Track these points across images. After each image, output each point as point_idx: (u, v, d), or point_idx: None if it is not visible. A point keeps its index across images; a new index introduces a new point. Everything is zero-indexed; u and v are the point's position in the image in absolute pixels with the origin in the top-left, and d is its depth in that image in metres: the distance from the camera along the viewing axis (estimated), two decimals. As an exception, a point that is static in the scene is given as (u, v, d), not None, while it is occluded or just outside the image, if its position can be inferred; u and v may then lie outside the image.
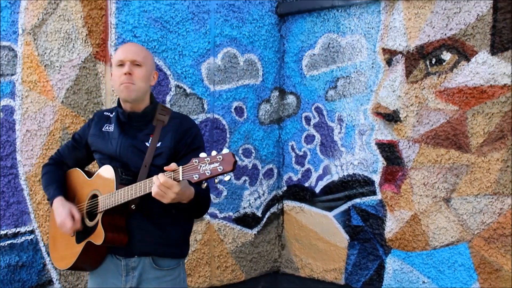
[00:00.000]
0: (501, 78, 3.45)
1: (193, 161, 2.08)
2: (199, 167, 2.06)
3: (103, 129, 2.58)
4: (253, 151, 4.45)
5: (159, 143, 2.46)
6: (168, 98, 3.90)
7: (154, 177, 2.18)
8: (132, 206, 2.39)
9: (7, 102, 3.41)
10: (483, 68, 3.51)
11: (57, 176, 2.66)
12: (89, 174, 2.61)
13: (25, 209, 3.47)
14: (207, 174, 2.04)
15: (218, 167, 2.03)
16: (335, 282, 4.34)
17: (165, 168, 2.17)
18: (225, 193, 4.28)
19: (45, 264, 3.53)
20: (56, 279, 3.56)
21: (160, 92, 3.86)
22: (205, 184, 2.13)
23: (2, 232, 3.41)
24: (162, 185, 2.13)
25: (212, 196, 4.19)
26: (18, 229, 3.46)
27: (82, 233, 2.51)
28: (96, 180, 2.53)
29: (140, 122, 2.53)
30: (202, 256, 4.17)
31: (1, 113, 3.39)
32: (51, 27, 3.48)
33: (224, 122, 4.24)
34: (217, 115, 4.20)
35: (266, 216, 4.59)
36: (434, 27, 3.69)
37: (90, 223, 2.48)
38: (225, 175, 2.07)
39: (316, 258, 4.45)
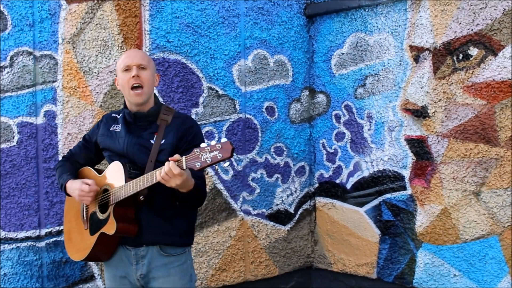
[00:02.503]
0: (529, 71, 3.47)
1: (195, 150, 2.26)
2: (200, 156, 2.24)
3: (110, 129, 2.77)
4: (284, 149, 4.55)
5: (163, 140, 2.64)
6: (201, 99, 4.04)
7: (165, 165, 2.34)
8: (140, 197, 2.57)
9: (50, 107, 3.59)
10: (510, 62, 3.52)
11: (69, 168, 2.84)
12: (99, 172, 2.79)
13: (68, 208, 3.65)
14: (208, 161, 2.22)
15: (217, 155, 2.20)
16: (367, 276, 4.40)
17: (169, 158, 2.34)
18: (258, 190, 4.39)
19: (87, 260, 3.72)
20: (98, 275, 3.73)
21: (194, 94, 4.00)
22: (206, 172, 2.28)
23: (47, 230, 3.59)
24: (170, 171, 2.31)
25: (245, 194, 4.31)
26: (61, 227, 3.61)
27: (96, 226, 2.68)
28: (106, 176, 2.71)
29: (145, 121, 2.71)
30: (237, 251, 4.29)
31: (44, 118, 3.58)
32: (89, 36, 3.65)
33: (255, 121, 4.36)
34: (249, 115, 4.32)
35: (299, 212, 4.68)
36: (460, 23, 3.72)
37: (102, 216, 2.65)
38: (224, 161, 2.25)
39: (348, 253, 4.52)
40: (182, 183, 2.35)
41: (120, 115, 2.79)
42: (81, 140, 2.96)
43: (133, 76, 2.63)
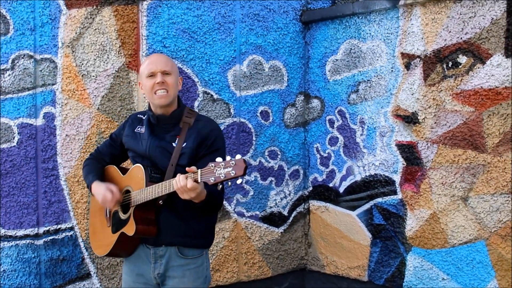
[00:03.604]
0: (516, 80, 3.54)
1: (210, 165, 2.31)
2: (215, 171, 2.29)
3: (135, 130, 2.83)
4: (279, 153, 4.63)
5: (184, 144, 2.69)
6: (196, 103, 4.13)
7: (176, 178, 2.41)
8: (160, 202, 2.64)
9: (49, 109, 3.68)
10: (498, 71, 3.58)
11: (96, 167, 2.93)
12: (123, 171, 2.86)
13: (65, 207, 3.73)
14: (221, 177, 2.27)
15: (231, 172, 2.24)
16: (358, 278, 4.47)
17: (187, 169, 2.40)
18: (251, 193, 4.47)
19: (83, 258, 3.79)
20: (94, 272, 3.82)
21: (189, 98, 4.09)
22: (220, 186, 2.35)
23: (45, 229, 3.68)
24: (184, 186, 2.38)
25: (239, 196, 4.39)
26: (59, 226, 3.72)
27: (117, 225, 2.77)
28: (128, 177, 2.78)
29: (168, 124, 2.76)
30: (230, 252, 4.37)
31: (44, 120, 3.68)
32: (88, 40, 3.76)
33: (250, 125, 4.43)
34: (243, 119, 4.40)
35: (293, 215, 4.74)
36: (450, 32, 3.80)
37: (123, 216, 2.73)
38: (237, 178, 2.28)
39: (340, 256, 4.59)
40: (195, 196, 2.41)
41: (145, 116, 2.85)
42: (107, 138, 3.04)
43: (158, 83, 2.69)
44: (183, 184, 2.38)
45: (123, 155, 2.98)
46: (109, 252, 2.81)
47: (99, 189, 2.77)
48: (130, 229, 2.65)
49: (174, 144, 2.70)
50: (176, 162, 2.66)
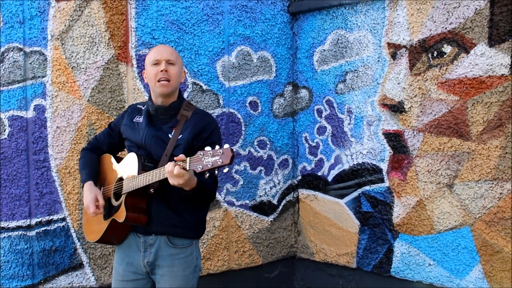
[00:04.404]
0: (499, 68, 3.57)
1: (199, 153, 2.34)
2: (203, 159, 2.32)
3: (134, 120, 2.88)
4: (268, 142, 4.68)
5: (180, 136, 2.73)
6: (185, 94, 4.16)
7: (166, 165, 2.45)
8: (150, 190, 2.68)
9: (39, 101, 3.70)
10: (482, 60, 3.64)
11: (91, 161, 2.97)
12: (118, 160, 2.91)
13: (57, 198, 3.76)
14: (208, 166, 2.30)
15: (218, 160, 2.27)
16: (347, 265, 4.55)
17: (175, 158, 2.44)
18: (241, 182, 4.52)
19: (76, 248, 3.83)
20: (86, 262, 3.86)
21: (178, 89, 4.13)
22: (207, 174, 2.38)
23: (37, 220, 3.71)
24: (171, 171, 2.41)
25: (229, 185, 4.44)
26: (51, 217, 3.75)
27: (109, 211, 2.82)
28: (123, 165, 2.83)
29: (166, 115, 2.80)
30: (221, 241, 4.42)
31: (34, 112, 3.69)
32: (77, 32, 3.77)
33: (239, 116, 4.47)
34: (232, 109, 4.43)
35: (282, 204, 4.80)
36: (435, 22, 3.85)
37: (115, 203, 2.78)
38: (224, 167, 2.34)
39: (329, 243, 4.66)
40: (184, 183, 2.43)
41: (145, 107, 2.89)
42: (106, 127, 3.08)
43: (162, 71, 2.73)
44: (170, 169, 2.41)
45: (120, 145, 3.02)
46: (100, 238, 2.85)
47: (89, 194, 2.82)
48: (120, 216, 2.69)
49: (170, 135, 2.74)
50: (170, 152, 2.70)
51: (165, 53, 2.78)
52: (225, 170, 2.36)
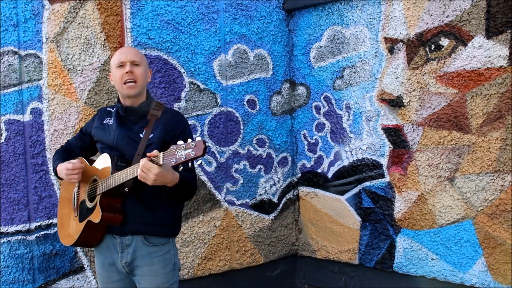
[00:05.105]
0: (497, 60, 3.56)
1: (172, 147, 2.36)
2: (176, 153, 2.34)
3: (104, 122, 2.90)
4: (266, 140, 4.66)
5: (151, 135, 2.75)
6: (183, 94, 4.15)
7: (140, 161, 2.46)
8: (125, 189, 2.69)
9: (36, 105, 3.69)
10: (480, 52, 3.63)
11: (63, 156, 2.98)
12: (92, 162, 2.92)
13: (56, 202, 3.73)
14: (182, 159, 2.32)
15: (191, 152, 2.29)
16: (349, 262, 4.53)
17: (147, 154, 2.46)
18: (241, 181, 4.50)
19: (76, 252, 3.81)
20: (87, 265, 3.84)
21: (176, 89, 4.11)
22: (181, 168, 2.38)
23: (37, 224, 3.69)
24: (144, 167, 2.42)
25: (229, 184, 4.42)
26: (50, 221, 3.73)
27: (84, 213, 2.82)
28: (96, 167, 2.84)
29: (136, 115, 2.83)
30: (222, 241, 4.41)
31: (31, 115, 3.68)
32: (72, 34, 3.75)
33: (237, 114, 4.46)
34: (230, 108, 4.42)
35: (282, 202, 4.79)
36: (432, 15, 3.84)
37: (90, 204, 2.78)
38: (197, 159, 2.35)
39: (331, 240, 4.65)
40: (159, 178, 2.44)
41: (114, 109, 2.91)
42: (78, 132, 3.09)
43: (127, 72, 2.76)
44: (142, 163, 2.41)
45: (92, 148, 3.05)
46: (76, 240, 2.86)
47: (61, 166, 2.83)
48: (96, 217, 2.70)
49: (141, 135, 2.77)
50: (142, 151, 2.72)
51: (129, 55, 2.81)
52: (199, 162, 2.40)
